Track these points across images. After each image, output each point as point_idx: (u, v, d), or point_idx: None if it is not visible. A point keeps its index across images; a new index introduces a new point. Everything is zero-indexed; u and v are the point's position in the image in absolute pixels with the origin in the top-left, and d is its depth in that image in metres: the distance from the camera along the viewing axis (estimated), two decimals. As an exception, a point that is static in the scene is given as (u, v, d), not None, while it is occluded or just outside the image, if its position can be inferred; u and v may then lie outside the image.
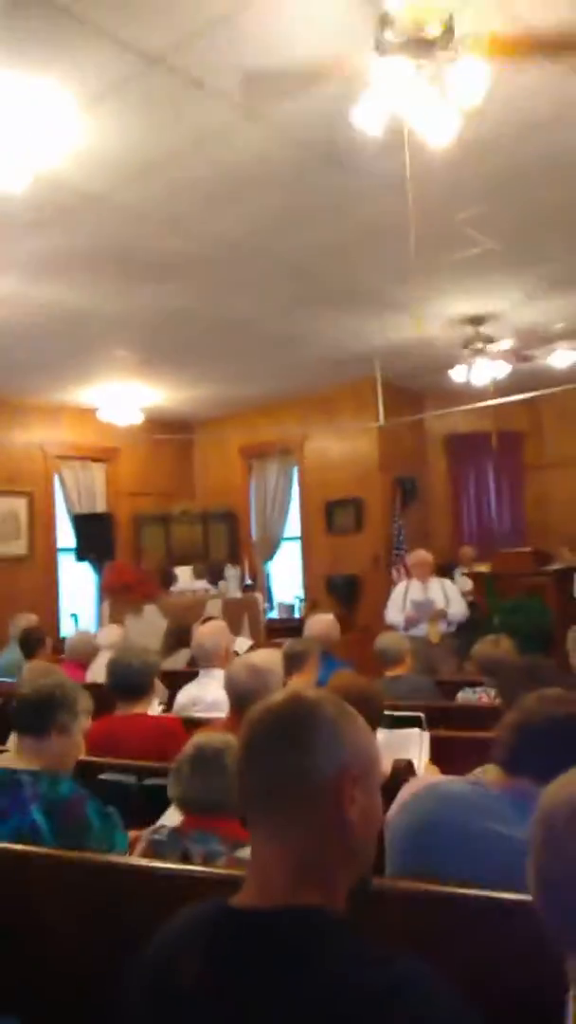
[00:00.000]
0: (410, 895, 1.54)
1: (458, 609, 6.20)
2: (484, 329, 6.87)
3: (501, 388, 7.25)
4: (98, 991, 1.53)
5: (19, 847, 1.98)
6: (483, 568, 7.88)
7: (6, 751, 2.91)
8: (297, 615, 9.34)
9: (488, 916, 1.43)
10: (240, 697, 2.80)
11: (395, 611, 6.27)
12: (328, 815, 1.02)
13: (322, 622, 4.66)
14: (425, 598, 6.15)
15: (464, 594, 7.28)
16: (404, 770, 2.46)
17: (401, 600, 6.30)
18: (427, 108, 3.00)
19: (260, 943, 0.94)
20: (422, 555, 6.45)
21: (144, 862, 1.87)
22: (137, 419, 8.59)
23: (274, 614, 9.51)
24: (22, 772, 2.20)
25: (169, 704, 4.02)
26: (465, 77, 2.91)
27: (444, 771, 2.57)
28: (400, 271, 5.53)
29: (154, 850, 1.97)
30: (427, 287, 5.88)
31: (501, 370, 7.02)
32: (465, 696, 4.33)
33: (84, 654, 5.80)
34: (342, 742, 1.05)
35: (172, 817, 2.15)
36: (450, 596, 6.23)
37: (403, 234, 4.51)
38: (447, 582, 6.44)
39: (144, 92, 3.51)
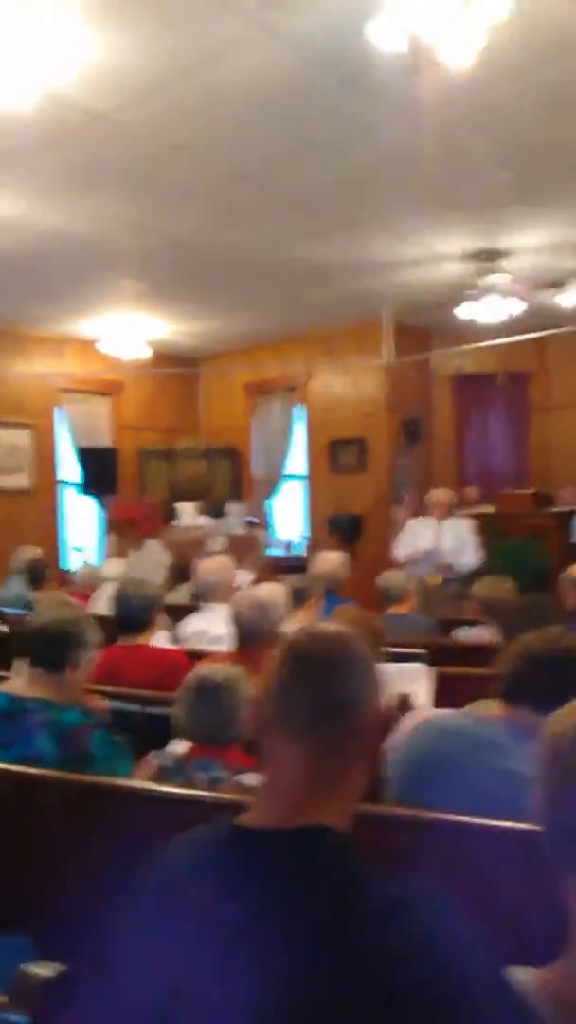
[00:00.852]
0: (414, 822, 1.57)
1: (469, 559, 6.00)
2: (495, 265, 6.71)
3: (509, 328, 7.13)
4: (105, 912, 1.57)
5: (24, 769, 2.02)
6: (485, 509, 7.87)
7: (8, 677, 2.95)
8: (299, 553, 9.39)
9: (489, 843, 1.46)
10: (245, 630, 2.83)
11: (402, 547, 6.19)
12: (358, 743, 1.08)
13: (331, 560, 4.65)
14: (436, 547, 6.01)
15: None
16: (402, 704, 2.49)
17: (411, 539, 6.20)
18: (449, 22, 2.86)
19: (277, 861, 0.96)
20: (439, 493, 6.32)
21: (151, 785, 1.90)
22: (142, 353, 8.48)
23: (276, 551, 9.55)
24: (30, 700, 2.22)
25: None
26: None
27: (445, 707, 2.60)
28: (412, 202, 5.39)
29: (160, 775, 2.00)
30: (439, 219, 5.73)
31: (514, 307, 6.89)
32: (465, 634, 4.38)
33: (90, 586, 5.88)
34: (375, 678, 1.13)
35: (178, 746, 2.19)
36: (465, 542, 6.04)
37: (416, 163, 4.39)
38: (462, 524, 6.17)
39: (157, 3, 3.36)
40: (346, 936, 0.87)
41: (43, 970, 1.02)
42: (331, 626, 1.22)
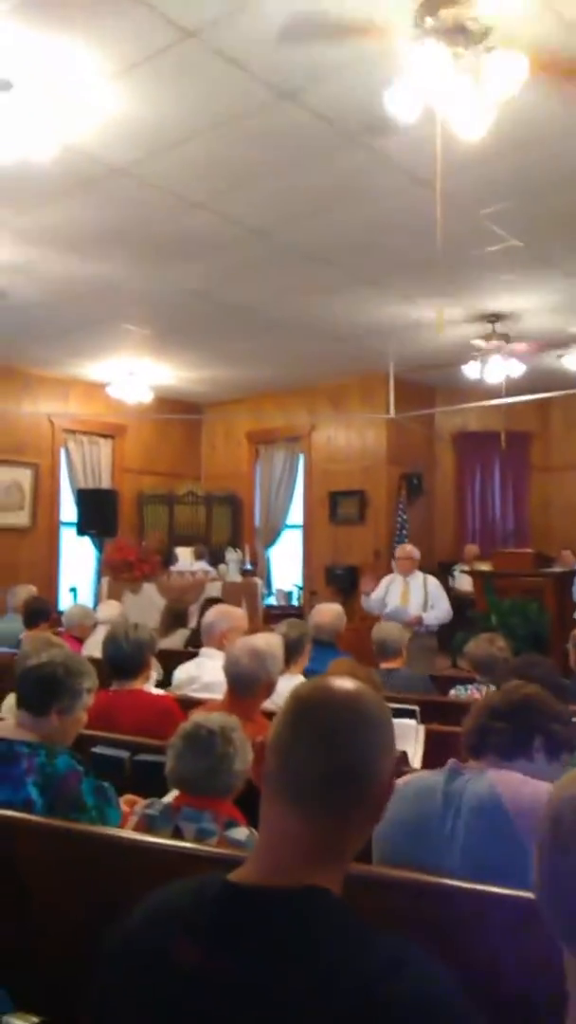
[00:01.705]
0: (398, 883, 1.55)
1: (439, 612, 5.99)
2: (500, 327, 6.83)
3: (513, 388, 7.23)
4: (89, 964, 1.53)
5: (9, 813, 1.98)
6: (484, 566, 7.86)
7: (3, 719, 2.91)
8: (295, 603, 9.35)
9: (475, 908, 1.44)
10: (239, 678, 2.80)
11: (376, 598, 6.12)
12: (372, 809, 1.03)
13: (331, 612, 4.61)
14: (398, 607, 5.94)
15: (465, 593, 7.27)
16: (399, 762, 2.46)
17: (383, 590, 6.19)
18: (461, 98, 2.97)
19: (271, 920, 0.93)
20: (408, 549, 6.30)
21: (137, 836, 1.87)
22: (146, 397, 8.57)
23: (272, 600, 9.52)
24: (19, 744, 2.18)
25: (166, 682, 4.02)
26: (502, 68, 2.88)
27: (434, 764, 2.57)
28: (419, 264, 5.50)
29: (147, 824, 1.97)
30: (447, 282, 5.85)
31: (515, 368, 6.99)
32: (457, 693, 4.33)
33: (81, 628, 5.81)
34: (391, 742, 1.06)
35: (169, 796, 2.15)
36: (432, 596, 6.03)
37: (426, 226, 4.48)
38: (431, 580, 6.19)
39: (178, 64, 3.48)
40: (346, 995, 0.85)
41: (22, 1022, 0.99)
42: (347, 682, 1.10)
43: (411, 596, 6.03)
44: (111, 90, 3.67)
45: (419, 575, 6.16)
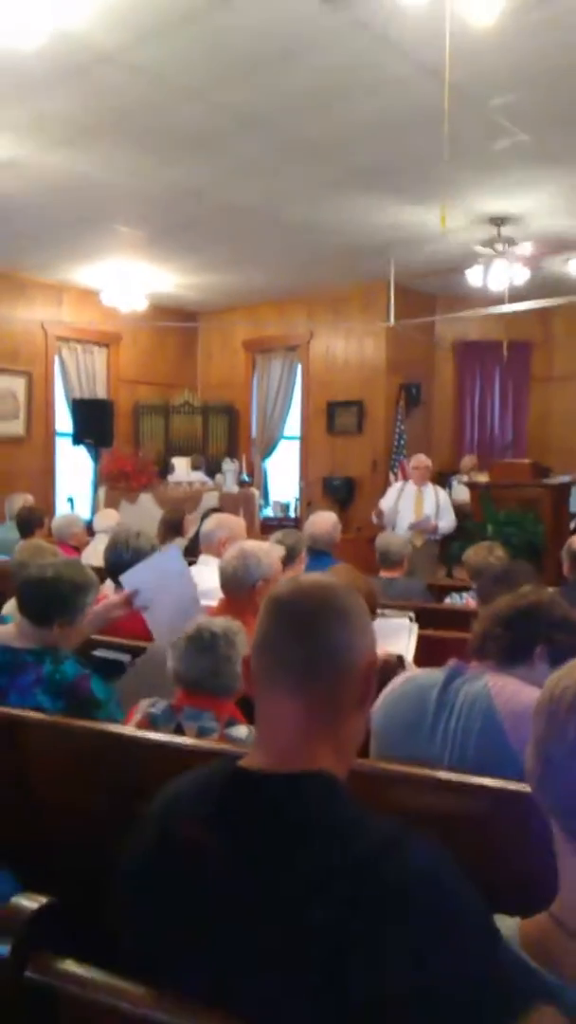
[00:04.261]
0: (398, 777, 1.59)
1: (447, 522, 6.30)
2: (505, 230, 6.63)
3: (515, 295, 7.06)
4: (94, 852, 1.59)
5: (18, 712, 2.02)
6: (481, 478, 7.87)
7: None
8: (293, 514, 9.39)
9: (469, 798, 1.49)
10: (230, 581, 2.83)
11: (388, 507, 6.40)
12: (355, 691, 1.07)
13: (327, 520, 4.62)
14: (424, 516, 6.24)
15: (461, 503, 7.31)
16: (395, 664, 2.50)
17: (394, 499, 6.38)
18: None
19: (274, 802, 0.97)
20: (422, 459, 6.49)
21: (141, 732, 1.91)
22: (141, 305, 8.37)
23: (269, 512, 9.55)
24: (24, 652, 2.20)
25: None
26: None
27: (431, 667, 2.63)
28: (424, 160, 5.28)
29: (149, 722, 2.01)
30: (452, 179, 5.63)
31: (520, 274, 6.82)
32: (452, 601, 4.40)
33: (73, 536, 5.79)
34: (367, 626, 1.12)
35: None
36: (441, 506, 6.31)
37: (430, 120, 4.28)
38: (441, 491, 6.48)
39: None
40: (345, 872, 0.88)
41: (30, 902, 1.03)
42: (317, 577, 1.19)
43: (424, 505, 6.21)
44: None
45: (430, 486, 6.34)
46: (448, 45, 3.47)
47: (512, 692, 1.71)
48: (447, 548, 6.66)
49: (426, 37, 3.68)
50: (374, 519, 6.51)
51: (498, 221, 6.55)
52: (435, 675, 1.83)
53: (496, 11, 2.96)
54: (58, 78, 4.37)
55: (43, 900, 1.03)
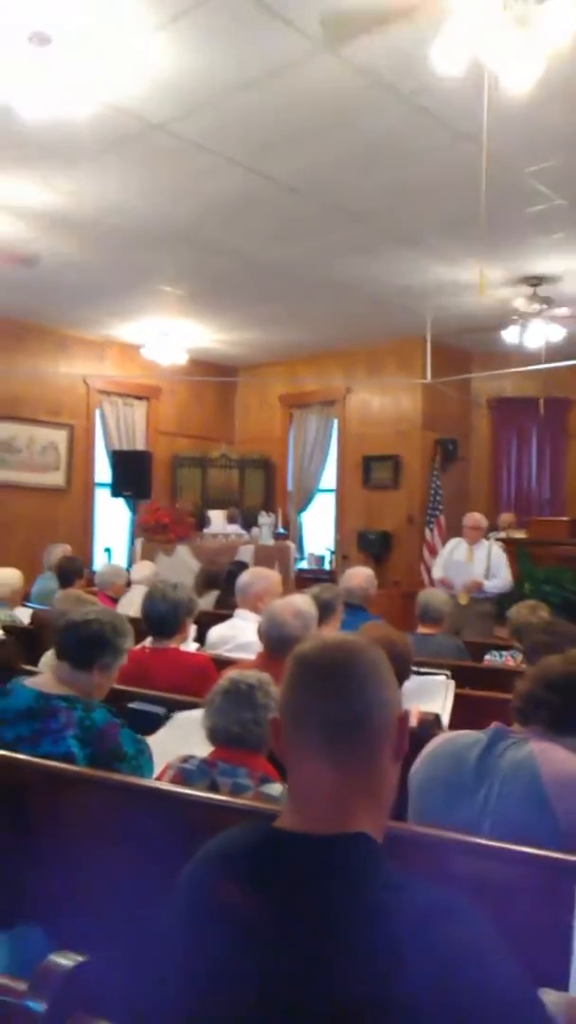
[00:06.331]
0: (432, 841, 1.56)
1: (500, 582, 6.07)
2: (542, 290, 6.69)
3: (552, 353, 7.09)
4: (122, 907, 1.57)
5: (52, 764, 2.03)
6: (519, 534, 7.80)
7: (37, 672, 2.97)
8: (327, 567, 9.37)
9: (504, 866, 1.46)
10: (282, 639, 2.82)
11: (439, 568, 6.32)
12: (389, 747, 1.06)
13: (362, 575, 4.62)
14: (462, 563, 6.12)
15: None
16: (432, 723, 2.48)
17: (448, 554, 6.32)
18: (509, 50, 2.88)
19: (313, 866, 0.96)
20: (476, 518, 6.37)
21: (177, 788, 1.90)
22: (181, 359, 8.55)
23: (304, 564, 9.54)
24: (56, 698, 2.23)
25: (199, 642, 4.07)
26: (553, 17, 2.78)
27: (467, 727, 2.58)
28: (460, 224, 5.38)
29: (183, 778, 2.00)
30: (489, 241, 5.71)
31: (556, 333, 6.85)
32: (492, 658, 4.33)
33: (114, 587, 5.89)
34: (392, 682, 1.11)
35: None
36: (494, 564, 6.10)
37: (468, 185, 4.38)
38: (495, 549, 6.23)
39: (222, 16, 3.41)
40: (388, 940, 0.87)
41: (66, 960, 1.02)
42: (339, 635, 1.19)
43: (475, 562, 6.11)
44: (153, 44, 3.61)
45: (484, 543, 6.24)
46: (486, 113, 3.56)
47: (561, 761, 1.66)
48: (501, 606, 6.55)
49: (464, 105, 3.78)
50: (441, 588, 6.28)
51: (535, 281, 6.62)
52: (476, 736, 1.79)
53: (532, 80, 3.04)
54: (106, 147, 4.56)
55: (79, 958, 1.02)
